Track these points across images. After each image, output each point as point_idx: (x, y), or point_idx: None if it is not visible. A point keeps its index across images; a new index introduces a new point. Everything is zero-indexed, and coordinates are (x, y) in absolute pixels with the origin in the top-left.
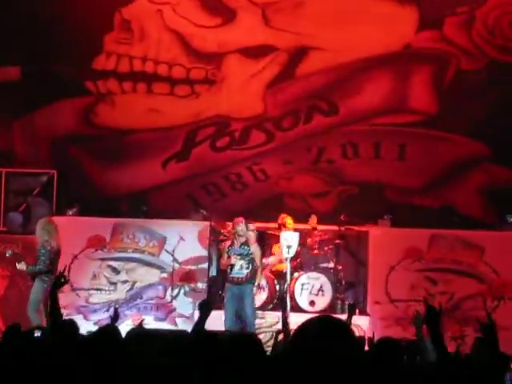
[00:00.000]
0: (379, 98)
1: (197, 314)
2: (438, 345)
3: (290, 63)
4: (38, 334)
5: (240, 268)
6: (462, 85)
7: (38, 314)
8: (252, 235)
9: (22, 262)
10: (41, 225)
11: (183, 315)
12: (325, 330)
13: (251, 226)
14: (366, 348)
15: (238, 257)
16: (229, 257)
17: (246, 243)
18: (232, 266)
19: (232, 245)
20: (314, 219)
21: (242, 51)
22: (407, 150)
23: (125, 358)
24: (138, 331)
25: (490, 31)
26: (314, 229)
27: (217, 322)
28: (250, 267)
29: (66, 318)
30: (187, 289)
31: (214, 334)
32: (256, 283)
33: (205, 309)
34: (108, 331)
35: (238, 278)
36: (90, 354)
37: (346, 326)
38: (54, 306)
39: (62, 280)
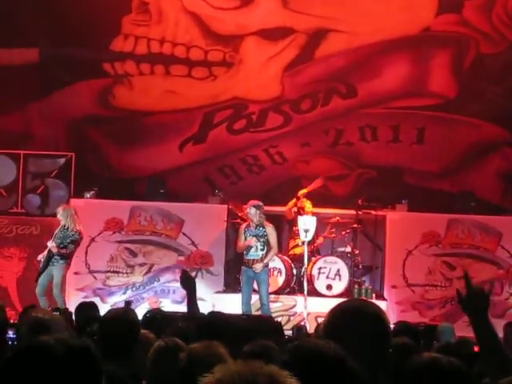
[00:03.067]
0: (398, 80)
1: (213, 297)
2: (485, 335)
3: (309, 45)
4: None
5: (255, 249)
6: (481, 68)
7: (64, 294)
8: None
9: (53, 242)
10: (67, 211)
11: (200, 298)
12: (359, 316)
13: (255, 210)
14: None
15: (254, 238)
16: (245, 239)
17: (262, 224)
18: (249, 247)
19: (248, 226)
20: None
21: (261, 33)
22: (426, 133)
23: (140, 339)
24: (155, 314)
25: (510, 15)
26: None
27: (234, 305)
28: (265, 249)
29: (85, 299)
30: (204, 272)
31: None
32: (265, 262)
33: (188, 284)
34: (127, 314)
35: (253, 259)
36: (105, 336)
37: (377, 309)
38: None
39: None
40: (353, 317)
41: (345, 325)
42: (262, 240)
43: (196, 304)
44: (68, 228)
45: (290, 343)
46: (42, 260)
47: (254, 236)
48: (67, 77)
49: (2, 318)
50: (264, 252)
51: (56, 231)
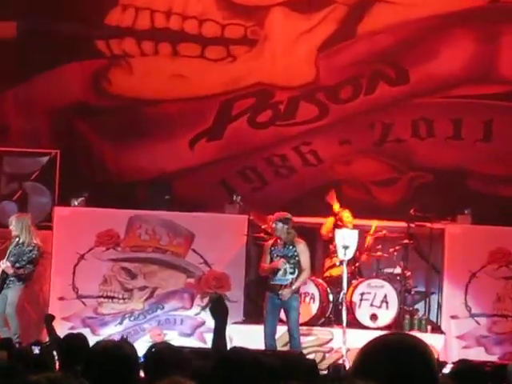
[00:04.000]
0: (460, 63)
1: (230, 329)
2: None
3: (350, 19)
4: (36, 350)
5: (284, 273)
6: None
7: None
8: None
9: (6, 262)
10: (22, 221)
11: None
12: (396, 355)
13: (281, 225)
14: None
15: (282, 259)
16: (272, 259)
17: (292, 242)
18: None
19: (275, 244)
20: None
21: (290, 4)
22: (494, 128)
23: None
24: (158, 349)
25: None
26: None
27: (255, 338)
28: (296, 272)
29: (72, 331)
30: None
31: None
32: (294, 287)
33: (219, 312)
34: (121, 348)
35: (280, 285)
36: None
37: (424, 350)
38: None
39: None
40: (385, 355)
41: (375, 366)
42: (291, 261)
43: (224, 338)
44: (23, 242)
45: None
46: None
47: (282, 256)
48: (51, 57)
49: None
50: (294, 276)
51: (10, 247)
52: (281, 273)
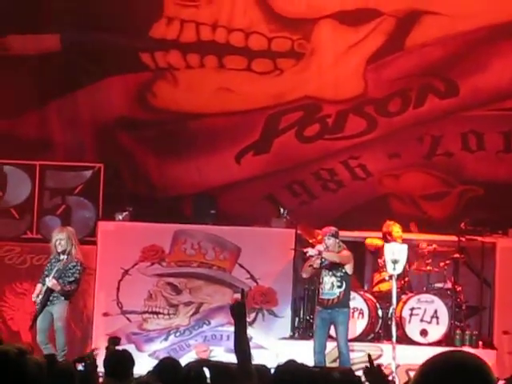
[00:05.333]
0: (509, 75)
1: (277, 345)
2: None
3: (398, 31)
4: (80, 367)
5: (331, 287)
6: None
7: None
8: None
9: (52, 279)
10: (67, 233)
11: (261, 346)
12: (461, 374)
13: (333, 240)
14: None
15: (329, 273)
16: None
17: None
18: (320, 280)
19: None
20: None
21: (338, 16)
22: None
23: None
24: (203, 366)
25: None
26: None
27: (303, 354)
28: (344, 285)
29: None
30: (266, 313)
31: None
32: (328, 255)
33: (238, 313)
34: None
35: (328, 299)
36: None
37: (482, 367)
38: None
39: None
40: (450, 376)
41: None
42: (338, 274)
43: (247, 341)
44: (68, 257)
45: None
46: (38, 301)
47: (328, 270)
48: (95, 70)
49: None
50: (342, 290)
51: (54, 263)
52: (328, 287)
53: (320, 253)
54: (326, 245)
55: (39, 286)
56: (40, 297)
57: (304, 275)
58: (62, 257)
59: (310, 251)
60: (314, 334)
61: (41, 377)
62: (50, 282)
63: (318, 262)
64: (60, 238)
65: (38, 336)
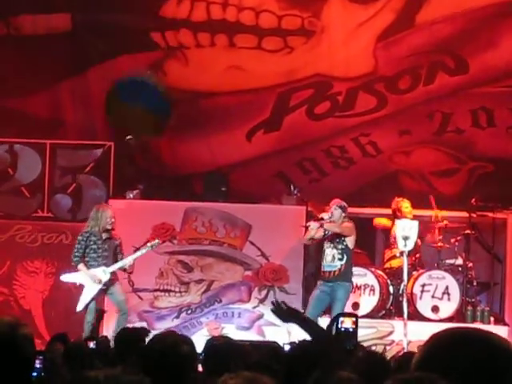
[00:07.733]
0: None
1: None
2: None
3: (408, 8)
4: (92, 344)
5: (332, 259)
6: None
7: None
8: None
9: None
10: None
11: (272, 323)
12: (464, 351)
13: (340, 212)
14: None
15: (331, 245)
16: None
17: None
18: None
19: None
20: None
21: None
22: None
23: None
24: (216, 343)
25: None
26: (436, 217)
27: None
28: (345, 258)
29: (129, 325)
30: (277, 290)
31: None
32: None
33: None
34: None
35: (329, 272)
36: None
37: (489, 339)
38: None
39: None
40: (453, 350)
41: (441, 362)
42: (339, 247)
43: (313, 323)
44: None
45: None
46: (102, 286)
47: (329, 241)
48: (106, 49)
49: (30, 352)
50: (343, 262)
51: (102, 242)
52: (329, 259)
53: (323, 220)
54: (331, 214)
55: (99, 270)
56: (104, 279)
57: (303, 241)
58: (105, 235)
59: (324, 215)
60: (308, 303)
61: (32, 349)
62: (131, 262)
63: (321, 233)
64: (111, 216)
65: (89, 316)
